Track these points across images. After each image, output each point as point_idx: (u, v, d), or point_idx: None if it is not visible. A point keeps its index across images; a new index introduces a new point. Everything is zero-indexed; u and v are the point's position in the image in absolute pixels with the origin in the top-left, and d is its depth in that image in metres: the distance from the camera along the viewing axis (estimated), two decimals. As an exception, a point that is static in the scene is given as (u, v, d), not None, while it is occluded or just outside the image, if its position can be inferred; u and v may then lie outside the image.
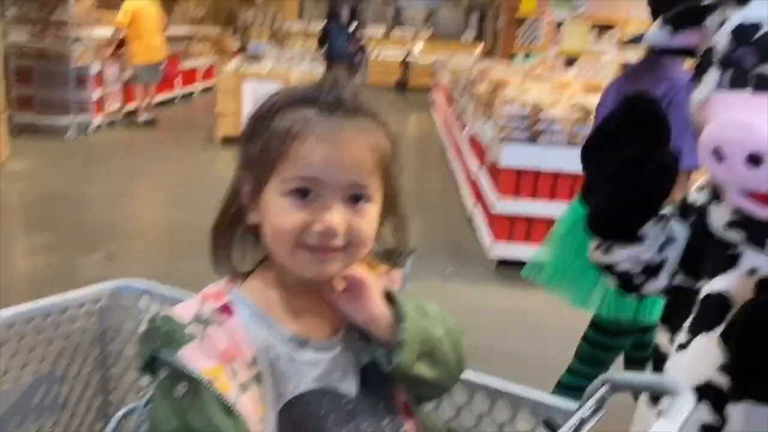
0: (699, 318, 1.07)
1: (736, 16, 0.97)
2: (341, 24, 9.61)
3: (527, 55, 9.54)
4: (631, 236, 1.14)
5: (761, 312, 0.90)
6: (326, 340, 0.85)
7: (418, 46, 15.12)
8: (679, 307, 1.13)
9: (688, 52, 1.10)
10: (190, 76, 11.48)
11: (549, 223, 4.21)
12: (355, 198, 0.80)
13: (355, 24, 9.57)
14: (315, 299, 0.86)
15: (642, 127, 1.05)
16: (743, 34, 0.94)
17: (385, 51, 14.83)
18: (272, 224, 0.80)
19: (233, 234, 0.86)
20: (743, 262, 1.04)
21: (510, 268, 4.12)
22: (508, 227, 4.26)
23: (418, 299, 0.90)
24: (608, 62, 9.52)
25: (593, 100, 4.26)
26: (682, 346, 1.08)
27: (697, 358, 1.05)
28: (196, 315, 0.78)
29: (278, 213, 0.79)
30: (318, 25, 10.39)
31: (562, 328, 2.76)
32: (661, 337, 1.16)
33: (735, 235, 1.04)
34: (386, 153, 0.82)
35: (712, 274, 1.08)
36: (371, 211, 0.82)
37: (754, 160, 0.87)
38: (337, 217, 0.78)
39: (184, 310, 0.78)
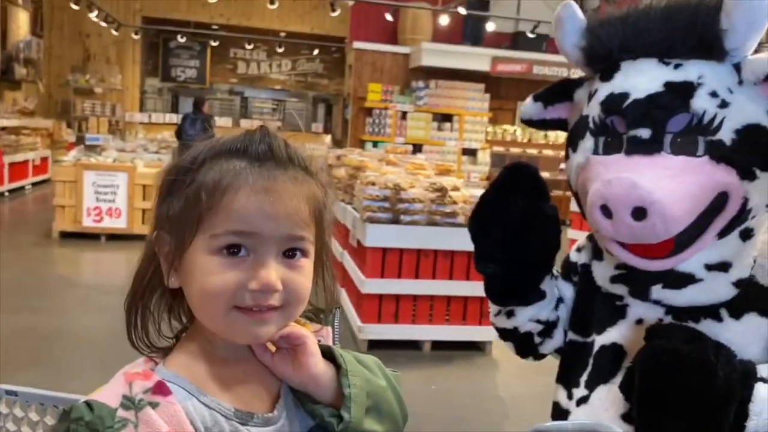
0: (595, 371, 1.11)
1: (605, 88, 1.03)
2: (196, 115, 9.70)
3: (375, 144, 9.94)
4: (533, 295, 1.17)
5: (655, 358, 0.93)
6: (269, 413, 0.77)
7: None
8: (573, 363, 1.16)
9: (559, 123, 1.18)
10: (19, 170, 10.65)
11: (415, 301, 4.32)
12: (291, 252, 0.74)
13: (206, 115, 9.71)
14: (249, 368, 0.78)
15: (522, 190, 1.09)
16: (613, 103, 1.01)
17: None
18: (201, 286, 0.72)
19: (148, 304, 0.77)
20: (629, 313, 1.10)
21: (381, 348, 4.08)
22: (376, 308, 4.24)
23: (352, 352, 0.85)
24: (450, 149, 10.19)
25: (448, 181, 4.49)
26: (583, 400, 1.10)
27: (598, 409, 1.07)
28: (124, 399, 0.67)
29: (207, 273, 0.71)
30: (161, 117, 10.42)
31: (435, 409, 2.75)
32: (560, 395, 1.17)
33: (619, 289, 1.09)
34: (320, 204, 0.78)
35: (602, 328, 1.12)
36: (307, 266, 0.77)
37: (639, 213, 0.91)
38: (273, 273, 0.72)
39: (108, 395, 0.67)
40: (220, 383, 0.75)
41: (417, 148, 9.74)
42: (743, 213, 0.98)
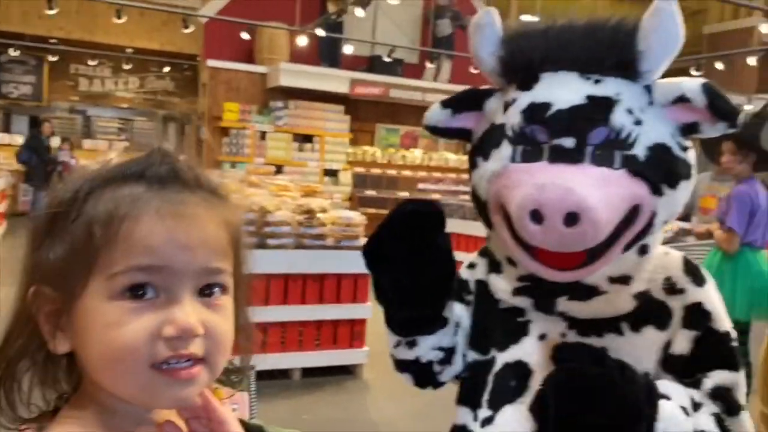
0: (498, 390, 1.09)
1: (525, 97, 1.03)
2: (38, 137, 9.10)
3: (234, 165, 9.65)
4: (435, 322, 1.12)
5: (567, 382, 0.92)
6: None
7: (114, 156, 14.35)
8: (474, 383, 1.14)
9: (463, 133, 1.15)
10: None
11: (284, 328, 4.17)
12: (208, 289, 0.61)
13: (50, 136, 9.15)
14: None
15: (418, 224, 1.05)
16: (535, 112, 1.01)
17: (81, 161, 13.77)
18: (104, 345, 0.57)
19: (18, 377, 0.62)
20: (532, 328, 1.09)
21: (249, 380, 3.88)
22: (243, 337, 4.05)
23: (272, 426, 0.72)
24: (312, 169, 10.13)
25: (315, 202, 4.41)
26: (488, 421, 1.08)
27: (505, 430, 1.05)
28: None
29: (109, 326, 0.57)
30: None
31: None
32: (464, 417, 1.14)
33: (522, 302, 1.09)
34: (238, 230, 0.66)
35: (505, 345, 1.11)
36: (228, 305, 0.63)
37: (572, 218, 0.90)
38: (192, 313, 0.58)
39: None
40: None
41: (278, 169, 9.58)
42: (649, 227, 1.01)
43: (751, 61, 9.86)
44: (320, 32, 9.00)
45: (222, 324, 0.62)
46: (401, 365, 1.19)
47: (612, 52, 1.00)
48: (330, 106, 10.29)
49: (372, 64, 10.70)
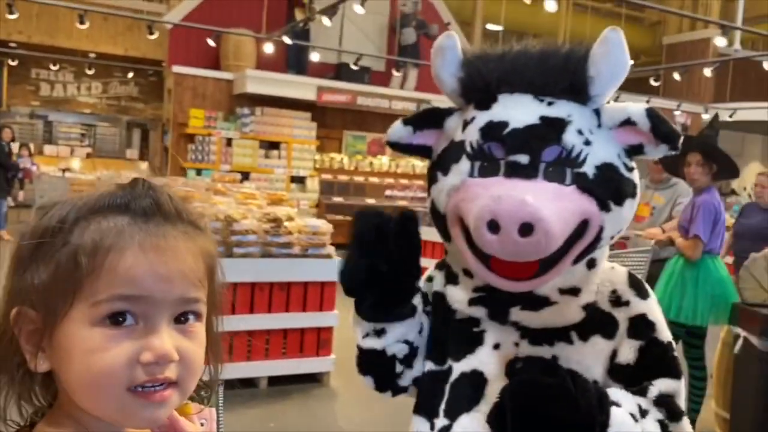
0: (454, 399, 1.12)
1: (483, 116, 1.09)
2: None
3: (199, 172, 9.58)
4: (403, 311, 1.16)
5: (524, 392, 0.96)
6: None
7: (76, 163, 14.11)
8: (431, 392, 1.17)
9: (423, 150, 1.20)
10: None
11: (249, 336, 4.16)
12: (183, 316, 0.66)
13: (10, 141, 8.95)
14: None
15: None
16: (493, 130, 1.07)
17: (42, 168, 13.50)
18: (84, 368, 0.61)
19: None
20: (486, 338, 1.13)
21: (215, 390, 3.87)
22: (209, 346, 4.03)
23: None
24: (279, 176, 10.11)
25: (282, 211, 4.41)
26: (445, 430, 1.11)
27: None
28: None
29: (91, 351, 0.61)
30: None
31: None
32: (422, 426, 1.17)
33: (477, 312, 1.13)
34: (214, 261, 0.70)
35: (460, 355, 1.15)
36: (201, 331, 0.67)
37: (526, 229, 0.95)
38: (168, 341, 0.63)
39: None
40: None
41: (245, 176, 9.54)
42: (597, 241, 1.07)
43: (707, 72, 10.16)
44: (287, 40, 9.00)
45: (195, 350, 0.66)
46: (366, 362, 1.21)
47: (564, 77, 1.07)
48: (297, 113, 10.29)
49: (339, 71, 10.74)
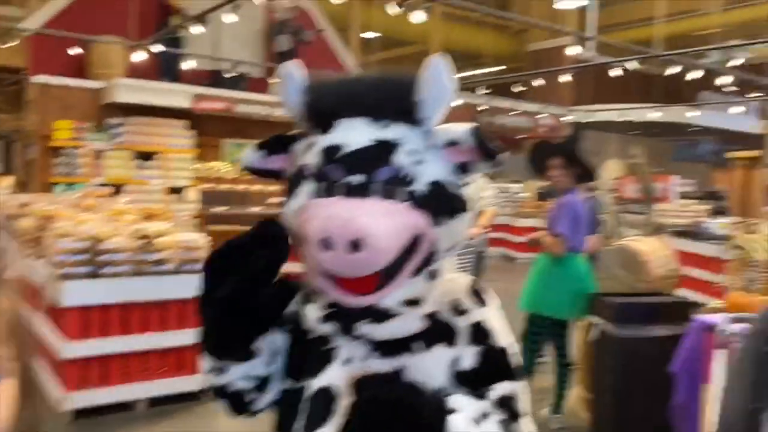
0: (310, 417, 1.16)
1: (324, 140, 1.15)
2: None
3: (69, 186, 9.07)
4: (246, 353, 1.19)
5: (370, 410, 1.03)
6: None
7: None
8: (289, 411, 1.21)
9: (278, 174, 1.26)
10: None
11: (126, 359, 4.00)
12: None
13: None
14: None
15: (266, 246, 1.15)
16: (331, 153, 1.13)
17: None
18: None
19: None
20: (338, 354, 1.19)
21: (91, 417, 3.70)
22: (81, 372, 3.84)
23: None
24: (156, 187, 9.74)
25: (153, 227, 4.28)
26: None
27: None
28: None
29: None
30: None
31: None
32: None
33: (329, 328, 1.18)
34: (16, 316, 0.68)
35: (315, 372, 1.19)
36: (6, 388, 0.66)
37: (355, 245, 1.02)
38: None
39: None
40: None
41: (119, 189, 9.11)
42: (433, 254, 1.14)
43: (566, 77, 10.87)
44: (158, 47, 8.70)
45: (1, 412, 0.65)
46: (215, 392, 1.25)
47: (396, 101, 1.15)
48: (171, 122, 9.94)
49: (215, 78, 10.51)
